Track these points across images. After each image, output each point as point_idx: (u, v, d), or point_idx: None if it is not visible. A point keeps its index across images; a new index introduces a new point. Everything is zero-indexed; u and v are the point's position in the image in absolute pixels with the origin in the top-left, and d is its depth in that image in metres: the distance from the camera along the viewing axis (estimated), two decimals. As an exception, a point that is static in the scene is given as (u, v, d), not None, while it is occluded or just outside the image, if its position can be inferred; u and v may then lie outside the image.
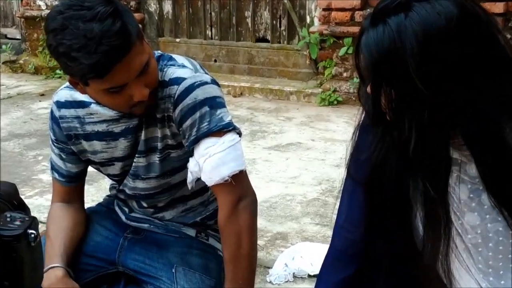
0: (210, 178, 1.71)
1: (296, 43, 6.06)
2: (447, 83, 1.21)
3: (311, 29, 5.80)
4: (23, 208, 1.35)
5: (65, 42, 1.52)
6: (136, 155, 1.85)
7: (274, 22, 6.23)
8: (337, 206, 3.34)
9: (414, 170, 1.31)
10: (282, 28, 6.20)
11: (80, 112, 1.84)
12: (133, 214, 2.07)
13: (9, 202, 1.29)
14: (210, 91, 1.73)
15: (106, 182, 3.68)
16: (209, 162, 1.70)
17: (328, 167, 4.02)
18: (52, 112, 1.91)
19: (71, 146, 1.91)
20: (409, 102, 1.24)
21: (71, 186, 2.00)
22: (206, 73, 1.78)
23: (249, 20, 6.35)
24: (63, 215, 1.98)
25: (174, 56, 1.83)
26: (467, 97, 1.22)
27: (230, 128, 1.73)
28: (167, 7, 6.71)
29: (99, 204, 2.21)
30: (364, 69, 1.31)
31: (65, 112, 1.86)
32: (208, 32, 6.60)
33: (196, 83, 1.72)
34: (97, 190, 3.60)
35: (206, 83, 1.73)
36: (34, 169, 4.14)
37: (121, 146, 1.85)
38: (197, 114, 1.70)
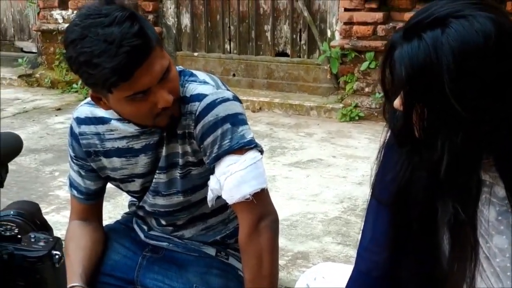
0: (231, 196, 1.72)
1: (316, 58, 6.08)
2: (482, 101, 1.20)
3: (332, 43, 5.82)
4: (46, 228, 1.37)
5: (86, 50, 1.55)
6: (157, 171, 1.86)
7: (294, 36, 6.25)
8: (359, 225, 3.32)
9: (444, 191, 1.31)
10: (302, 42, 6.23)
11: (100, 128, 1.86)
12: (152, 232, 2.07)
13: (32, 222, 1.31)
14: (232, 107, 1.74)
15: (124, 199, 3.71)
16: (230, 180, 1.71)
17: (350, 185, 4.02)
18: (71, 128, 1.92)
19: (91, 163, 1.92)
20: (443, 121, 1.23)
21: (89, 204, 2.01)
22: (228, 90, 1.80)
23: (268, 34, 6.38)
24: (82, 233, 1.99)
25: (195, 72, 1.84)
26: (503, 115, 1.22)
27: (252, 146, 1.74)
28: (185, 20, 6.77)
29: (117, 222, 2.22)
30: (396, 84, 1.31)
31: (85, 128, 1.88)
32: (227, 46, 6.64)
33: (218, 100, 1.73)
34: (114, 207, 3.62)
35: (227, 99, 1.74)
36: (51, 185, 4.18)
37: (141, 162, 1.86)
38: (219, 131, 1.71)
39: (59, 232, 3.16)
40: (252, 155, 1.73)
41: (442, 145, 1.24)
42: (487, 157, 1.29)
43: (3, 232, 1.30)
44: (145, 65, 1.57)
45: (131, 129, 1.81)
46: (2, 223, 1.32)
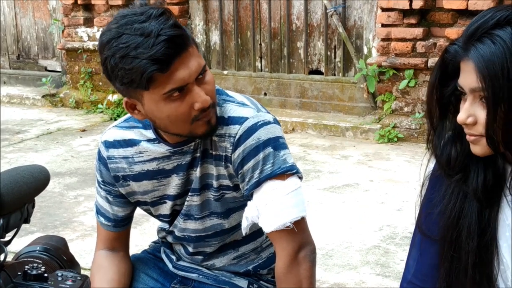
0: (270, 224, 1.72)
1: (352, 76, 6.09)
2: None
3: (369, 60, 5.82)
4: (73, 264, 1.38)
5: (122, 46, 1.59)
6: (190, 194, 1.87)
7: (329, 53, 6.27)
8: (399, 255, 3.32)
9: None
10: (337, 59, 6.24)
11: (129, 151, 1.88)
12: (181, 263, 2.08)
13: (59, 258, 1.32)
14: (273, 131, 1.76)
15: (151, 226, 3.74)
16: (271, 207, 1.71)
17: (389, 211, 3.99)
18: (99, 152, 1.94)
19: (119, 188, 1.94)
20: None
21: (117, 232, 2.03)
22: (268, 112, 1.82)
23: (301, 51, 6.41)
24: (108, 265, 2.00)
25: (230, 92, 1.87)
26: None
27: (294, 172, 1.75)
28: (215, 38, 6.83)
29: (144, 251, 2.23)
30: (474, 91, 1.33)
31: (113, 152, 1.90)
32: (258, 64, 6.68)
33: (259, 123, 1.75)
34: (141, 234, 3.65)
35: (269, 122, 1.76)
36: (75, 211, 4.22)
37: (173, 183, 1.87)
38: (260, 155, 1.73)
39: (84, 260, 3.19)
40: (293, 181, 1.74)
41: None
42: None
43: (29, 271, 1.31)
44: (183, 57, 1.62)
45: (162, 149, 1.83)
46: (28, 259, 1.34)
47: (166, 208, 1.94)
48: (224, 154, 1.78)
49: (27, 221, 1.47)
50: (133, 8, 1.65)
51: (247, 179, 1.76)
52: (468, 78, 1.32)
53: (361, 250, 3.44)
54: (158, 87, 1.63)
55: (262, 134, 1.74)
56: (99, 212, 2.02)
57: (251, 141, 1.73)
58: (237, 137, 1.74)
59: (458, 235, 1.42)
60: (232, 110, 1.78)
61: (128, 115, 1.89)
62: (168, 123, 1.72)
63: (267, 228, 1.74)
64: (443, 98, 1.41)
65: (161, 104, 1.66)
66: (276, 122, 1.80)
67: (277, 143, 1.75)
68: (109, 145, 1.91)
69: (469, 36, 1.32)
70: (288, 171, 1.74)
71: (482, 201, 1.39)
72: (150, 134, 1.85)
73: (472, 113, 1.34)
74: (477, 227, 1.40)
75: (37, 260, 1.35)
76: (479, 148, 1.36)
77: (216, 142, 1.78)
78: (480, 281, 1.44)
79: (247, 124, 1.74)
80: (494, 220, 1.41)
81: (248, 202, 1.78)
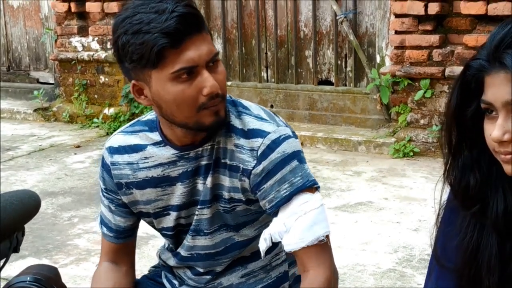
0: (302, 239, 1.74)
1: (364, 86, 6.10)
2: None
3: (382, 69, 5.84)
4: (65, 295, 1.39)
5: (136, 22, 1.67)
6: (199, 207, 1.89)
7: (339, 62, 6.29)
8: (416, 279, 3.30)
9: None
10: (348, 68, 6.25)
11: (134, 157, 1.91)
12: (184, 287, 2.09)
13: (50, 289, 1.33)
14: (296, 145, 1.82)
15: (150, 249, 3.74)
16: (304, 220, 1.74)
17: (404, 231, 3.98)
18: (103, 159, 1.98)
19: (122, 196, 1.96)
20: None
21: (119, 244, 2.04)
22: (286, 125, 1.87)
23: (310, 60, 6.43)
24: (109, 278, 2.02)
25: (244, 102, 1.92)
26: None
27: (318, 185, 1.81)
28: (217, 46, 6.86)
29: (144, 277, 2.23)
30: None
31: (117, 158, 1.94)
32: (264, 74, 6.70)
33: (282, 137, 1.80)
34: (140, 258, 3.64)
35: (290, 136, 1.82)
36: (69, 233, 4.22)
37: (177, 192, 1.90)
38: (287, 168, 1.77)
39: (79, 286, 3.19)
40: (320, 196, 1.80)
41: None
42: None
43: (19, 303, 1.32)
44: (195, 39, 1.69)
45: (168, 153, 1.86)
46: (19, 291, 1.34)
47: (169, 220, 1.96)
48: (242, 166, 1.81)
49: (16, 250, 1.48)
50: None
51: (272, 195, 1.78)
52: (501, 90, 1.31)
53: (375, 273, 3.43)
54: (167, 65, 1.69)
55: (287, 148, 1.79)
56: (102, 222, 2.05)
57: (276, 155, 1.78)
58: (260, 151, 1.79)
59: (477, 270, 1.42)
60: (251, 123, 1.83)
61: (134, 120, 1.97)
62: (175, 108, 1.75)
63: (297, 244, 1.75)
64: (465, 121, 1.41)
65: (169, 85, 1.71)
66: (295, 135, 1.86)
67: (300, 157, 1.81)
68: (113, 151, 1.95)
69: (495, 46, 1.32)
70: (314, 185, 1.80)
71: (502, 232, 1.39)
72: (156, 136, 1.89)
73: (508, 129, 1.32)
74: (498, 261, 1.40)
75: (27, 292, 1.36)
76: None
77: (234, 152, 1.82)
78: None
79: (270, 138, 1.79)
80: None
81: (274, 219, 1.79)
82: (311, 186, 1.78)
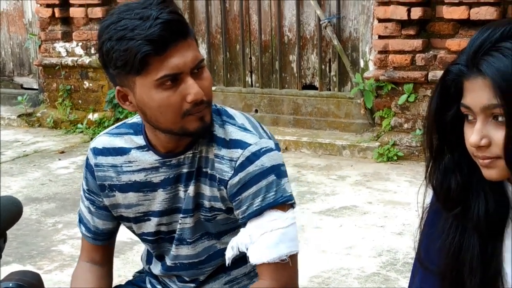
0: (265, 255, 1.75)
1: (348, 91, 6.12)
2: None
3: (366, 74, 5.86)
4: (49, 302, 1.38)
5: (120, 29, 1.67)
6: (181, 216, 1.90)
7: (323, 66, 6.30)
8: (401, 283, 3.31)
9: None
10: (332, 73, 6.27)
11: (118, 160, 1.92)
12: (168, 293, 2.09)
13: (32, 296, 1.33)
14: (276, 158, 1.81)
15: (134, 255, 3.73)
16: (269, 237, 1.75)
17: (388, 235, 4.00)
18: (87, 159, 1.98)
19: (103, 198, 1.96)
20: None
21: (97, 245, 2.05)
22: (270, 138, 1.86)
23: (294, 65, 6.44)
24: (88, 278, 2.03)
25: (230, 111, 1.92)
26: None
27: (292, 202, 1.80)
28: (202, 51, 6.85)
29: (128, 282, 2.23)
30: (486, 108, 1.33)
31: (101, 159, 1.94)
32: (248, 79, 6.71)
33: (262, 150, 1.80)
34: (124, 263, 3.64)
35: (271, 149, 1.81)
36: (54, 239, 4.21)
37: (159, 198, 1.90)
38: (263, 183, 1.77)
39: (63, 292, 3.18)
40: (292, 214, 1.80)
41: None
42: None
43: (2, 310, 1.32)
44: (180, 45, 1.68)
45: (151, 158, 1.86)
46: (1, 297, 1.34)
47: (150, 226, 1.96)
48: (219, 176, 1.82)
49: (-1, 256, 1.47)
50: None
51: (245, 206, 1.79)
52: (479, 96, 1.32)
53: (360, 277, 3.44)
54: (151, 72, 1.68)
55: (266, 161, 1.78)
56: (81, 221, 2.05)
57: (254, 167, 1.77)
58: (238, 162, 1.79)
59: (459, 272, 1.43)
60: (234, 134, 1.83)
61: (120, 122, 1.97)
62: (159, 114, 1.75)
63: (260, 258, 1.76)
64: (445, 125, 1.42)
65: (153, 91, 1.71)
66: (278, 148, 1.85)
67: (279, 171, 1.80)
68: (97, 152, 1.95)
69: (474, 52, 1.33)
70: (288, 201, 1.79)
71: (484, 234, 1.40)
72: (140, 140, 1.89)
73: (485, 134, 1.33)
74: (480, 262, 1.41)
75: (10, 298, 1.35)
76: (494, 171, 1.35)
77: (214, 162, 1.82)
78: None
79: (251, 150, 1.79)
80: (499, 252, 1.42)
81: (241, 229, 1.80)
82: (284, 203, 1.77)
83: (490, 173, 1.37)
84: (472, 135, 1.34)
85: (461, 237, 1.42)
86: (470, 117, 1.36)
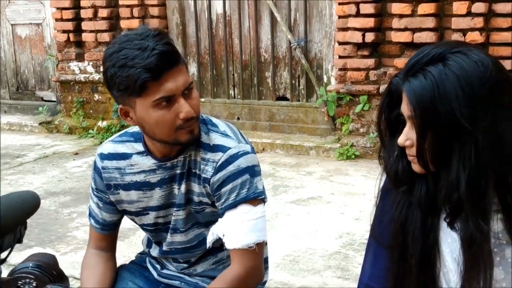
0: (238, 240, 1.77)
1: (314, 101, 6.12)
2: (488, 119, 1.27)
3: (328, 87, 5.86)
4: (62, 278, 1.38)
5: (122, 57, 1.66)
6: (175, 209, 1.90)
7: (293, 81, 6.30)
8: (357, 259, 3.33)
9: (466, 209, 1.33)
10: (301, 87, 6.27)
11: (122, 163, 1.91)
12: (164, 271, 2.08)
13: (49, 273, 1.32)
14: (251, 160, 1.82)
15: (137, 239, 3.71)
16: (241, 227, 1.77)
17: (348, 221, 4.00)
18: (95, 163, 1.98)
19: (110, 196, 1.96)
20: (456, 142, 1.29)
21: (104, 234, 2.05)
22: (246, 142, 1.87)
23: (269, 80, 6.44)
24: (96, 262, 2.02)
25: (214, 120, 1.92)
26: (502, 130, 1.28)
27: (263, 197, 1.82)
28: (192, 69, 6.84)
29: (131, 262, 2.23)
30: (404, 118, 1.35)
31: (107, 163, 1.93)
32: (231, 92, 6.69)
33: (240, 152, 1.80)
34: (128, 246, 3.62)
35: (248, 152, 1.82)
36: (69, 226, 4.18)
37: (156, 196, 1.90)
38: (239, 181, 1.78)
39: (77, 271, 3.16)
40: (262, 208, 1.81)
41: (457, 164, 1.29)
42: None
43: (22, 286, 1.31)
44: (173, 71, 1.68)
45: (149, 162, 1.87)
46: (22, 275, 1.33)
47: (149, 219, 1.96)
48: (203, 175, 1.82)
49: (20, 241, 1.46)
50: (135, 30, 1.74)
51: (223, 200, 1.81)
52: (405, 106, 1.35)
53: (324, 255, 3.44)
54: (149, 94, 1.68)
55: (242, 163, 1.79)
56: (90, 214, 2.05)
57: (232, 168, 1.78)
58: (219, 163, 1.79)
59: (404, 240, 1.45)
60: (217, 139, 1.83)
61: (122, 131, 1.97)
62: (156, 129, 1.75)
63: (232, 245, 1.79)
64: (391, 120, 1.44)
65: (151, 110, 1.71)
66: (253, 151, 1.86)
67: (253, 171, 1.81)
68: (104, 157, 1.95)
69: (407, 70, 1.35)
70: (258, 197, 1.80)
71: (424, 210, 1.42)
72: (140, 147, 1.89)
73: (409, 137, 1.37)
74: (421, 232, 1.43)
75: (29, 276, 1.35)
76: (417, 166, 1.39)
77: (201, 164, 1.83)
78: (425, 281, 1.46)
79: (229, 153, 1.80)
80: (436, 226, 1.44)
81: (219, 219, 1.82)
82: (255, 198, 1.79)
83: (415, 167, 1.40)
84: (400, 136, 1.37)
85: (407, 210, 1.44)
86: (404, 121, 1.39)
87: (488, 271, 1.36)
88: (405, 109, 1.35)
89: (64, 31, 7.19)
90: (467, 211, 1.33)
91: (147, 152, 1.88)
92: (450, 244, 1.42)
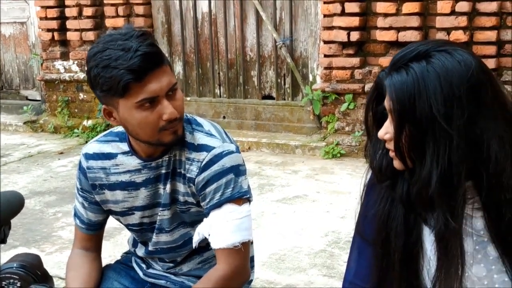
0: (222, 241, 1.76)
1: (300, 100, 6.13)
2: (464, 119, 1.28)
3: (314, 86, 5.87)
4: (47, 278, 1.37)
5: (105, 58, 1.65)
6: (161, 209, 1.89)
7: (279, 80, 6.31)
8: (343, 257, 3.34)
9: (436, 205, 1.33)
10: (287, 86, 6.28)
11: (107, 163, 1.90)
12: (150, 270, 2.08)
13: (33, 273, 1.31)
14: (236, 159, 1.81)
15: (123, 238, 3.70)
16: (225, 227, 1.75)
17: (333, 219, 4.01)
18: (80, 163, 1.96)
19: (95, 196, 1.95)
20: (431, 138, 1.30)
21: (89, 234, 2.03)
22: (231, 142, 1.86)
23: (255, 79, 6.44)
24: (82, 262, 2.00)
25: (199, 120, 1.90)
26: (480, 131, 1.29)
27: (248, 196, 1.80)
28: (178, 68, 6.82)
29: (117, 262, 2.21)
30: (386, 111, 1.36)
31: (92, 163, 1.92)
32: (217, 91, 6.69)
33: (224, 152, 1.79)
34: (114, 245, 3.60)
35: (232, 152, 1.81)
36: (54, 226, 4.15)
37: (141, 195, 1.89)
38: (223, 180, 1.77)
39: (62, 271, 3.14)
40: (247, 207, 1.80)
41: (431, 160, 1.30)
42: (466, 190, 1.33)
43: (6, 286, 1.30)
44: (156, 72, 1.66)
45: (134, 162, 1.85)
46: (6, 275, 1.32)
47: (134, 219, 1.95)
48: (188, 175, 1.81)
49: (3, 241, 1.45)
50: (119, 29, 1.72)
51: (208, 199, 1.79)
52: (387, 100, 1.36)
53: (310, 254, 3.45)
54: (132, 95, 1.66)
55: (227, 162, 1.78)
56: (76, 214, 2.04)
57: (216, 167, 1.77)
58: (204, 162, 1.78)
59: (387, 235, 1.45)
60: (201, 139, 1.82)
61: (107, 130, 1.95)
62: (139, 130, 1.74)
63: (217, 244, 1.77)
64: (377, 114, 1.45)
65: (134, 111, 1.69)
66: (238, 151, 1.85)
67: (238, 171, 1.80)
68: (89, 157, 1.93)
69: (391, 65, 1.36)
70: (243, 196, 1.79)
71: (406, 206, 1.42)
72: (125, 146, 1.88)
73: (389, 131, 1.37)
74: (403, 228, 1.43)
75: (14, 276, 1.34)
76: (397, 163, 1.39)
77: (186, 163, 1.81)
78: (407, 277, 1.47)
79: (214, 152, 1.79)
80: (419, 223, 1.44)
81: (204, 219, 1.80)
82: (240, 198, 1.78)
83: (395, 164, 1.41)
84: (381, 129, 1.38)
85: (390, 206, 1.45)
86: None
87: (460, 268, 1.37)
88: (386, 103, 1.36)
89: (48, 30, 7.14)
90: (437, 207, 1.34)
91: (132, 152, 1.87)
92: (432, 241, 1.43)
